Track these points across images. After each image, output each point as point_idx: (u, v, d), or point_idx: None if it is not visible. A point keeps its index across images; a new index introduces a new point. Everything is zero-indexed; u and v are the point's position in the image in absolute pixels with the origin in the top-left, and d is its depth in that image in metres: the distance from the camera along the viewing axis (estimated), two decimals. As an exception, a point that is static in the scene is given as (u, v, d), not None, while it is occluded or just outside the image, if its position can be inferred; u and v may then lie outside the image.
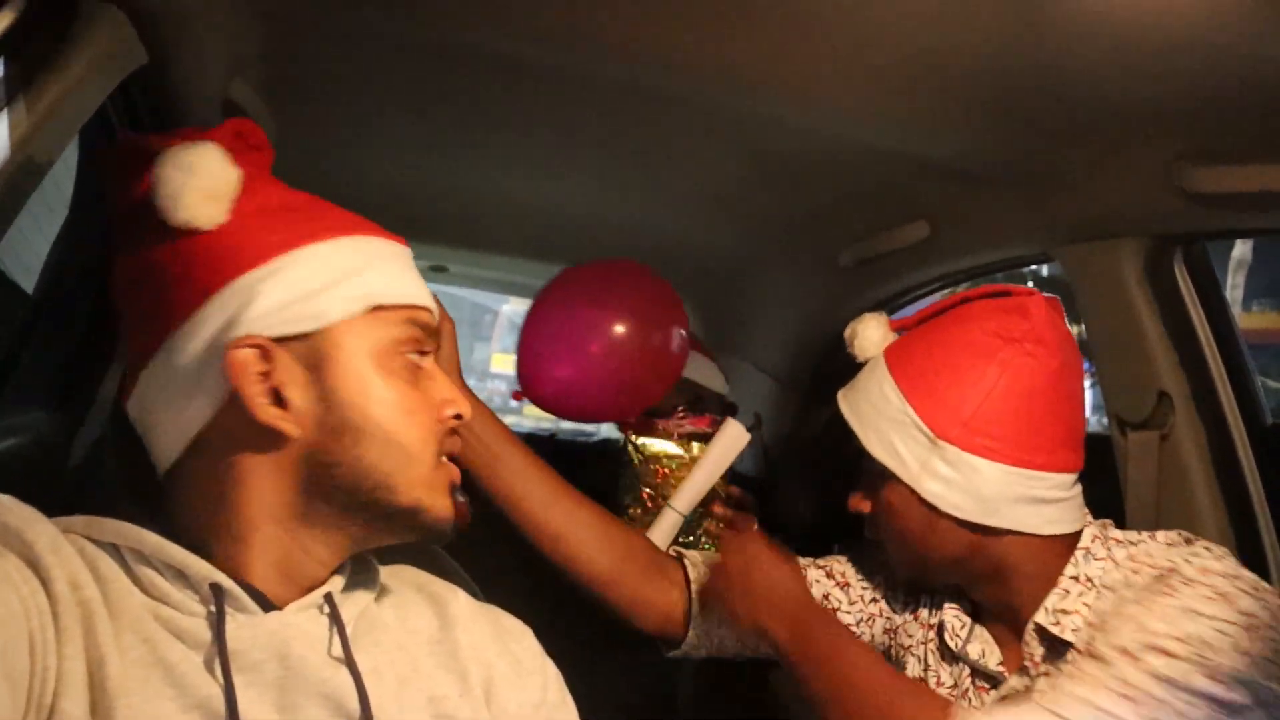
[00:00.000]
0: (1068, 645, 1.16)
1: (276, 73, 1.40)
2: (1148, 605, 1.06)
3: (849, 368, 1.59)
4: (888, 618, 1.41)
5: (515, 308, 11.54)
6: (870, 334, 1.36)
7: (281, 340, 0.87)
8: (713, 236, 2.15)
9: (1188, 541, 1.17)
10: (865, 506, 1.31)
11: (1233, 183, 1.29)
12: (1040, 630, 1.19)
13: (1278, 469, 1.52)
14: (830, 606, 1.41)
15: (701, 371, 2.08)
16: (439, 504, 0.92)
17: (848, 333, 1.39)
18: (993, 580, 1.24)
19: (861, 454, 1.29)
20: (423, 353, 0.93)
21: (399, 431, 0.88)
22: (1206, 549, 1.14)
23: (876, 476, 1.27)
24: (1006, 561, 1.22)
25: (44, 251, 1.33)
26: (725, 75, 1.31)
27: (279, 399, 0.86)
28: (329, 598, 0.89)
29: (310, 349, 0.87)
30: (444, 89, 1.49)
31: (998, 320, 1.24)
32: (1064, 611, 1.17)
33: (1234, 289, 8.09)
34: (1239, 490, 1.50)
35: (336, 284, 0.89)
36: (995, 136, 1.42)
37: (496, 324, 12.59)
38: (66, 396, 1.29)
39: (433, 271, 2.73)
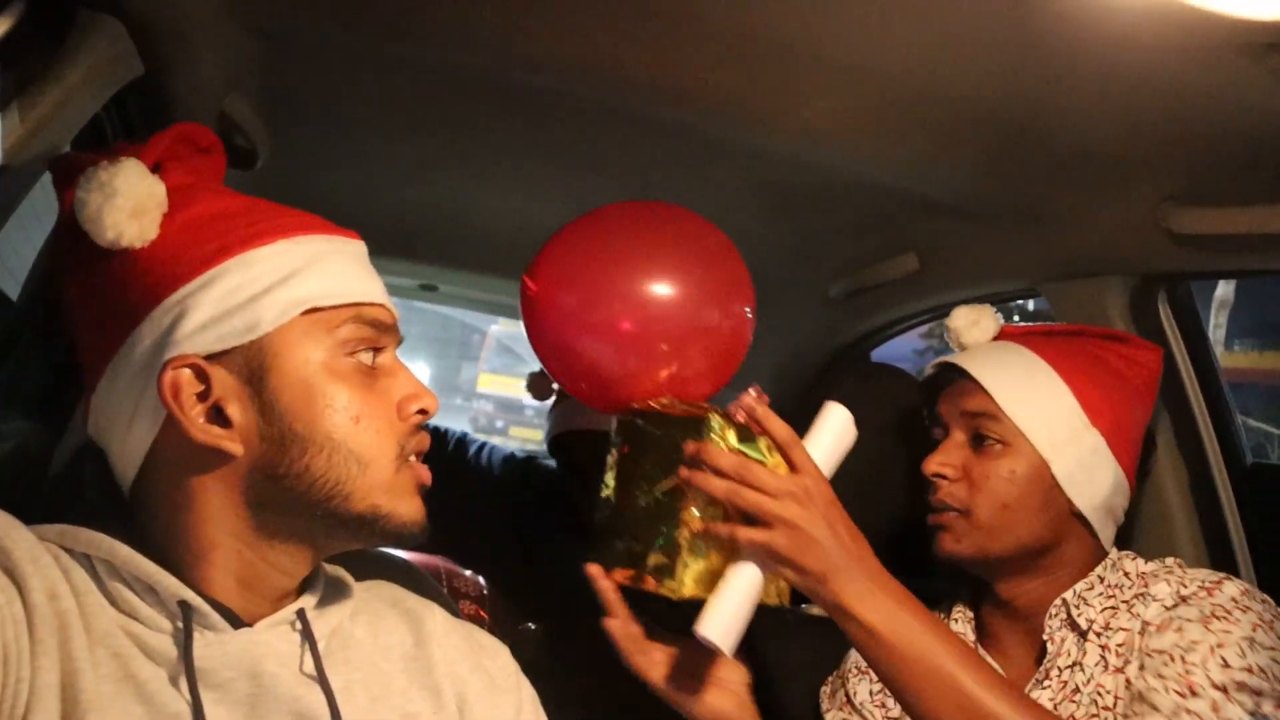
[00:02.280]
0: (1080, 635, 1.21)
1: (271, 89, 1.41)
2: (1215, 634, 1.09)
3: (841, 399, 1.59)
4: None
5: (504, 329, 11.56)
6: (988, 324, 1.38)
7: (217, 356, 0.84)
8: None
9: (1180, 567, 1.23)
10: (949, 470, 1.27)
11: (1217, 224, 1.31)
12: (1063, 609, 1.23)
13: (1257, 508, 1.53)
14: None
15: None
16: (401, 507, 0.88)
17: (963, 320, 1.39)
18: (1038, 573, 1.27)
19: (963, 419, 1.28)
20: (376, 350, 0.90)
21: (348, 438, 0.85)
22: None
23: (994, 442, 1.25)
24: (1063, 558, 1.26)
25: (31, 260, 1.33)
26: (721, 107, 1.32)
27: (220, 415, 0.84)
28: (301, 614, 0.88)
29: (247, 361, 0.84)
30: (438, 110, 1.49)
31: (1128, 359, 1.34)
32: (1084, 601, 1.23)
33: (1216, 328, 8.15)
34: (1219, 529, 1.51)
35: (268, 291, 0.85)
36: (986, 175, 1.43)
37: (485, 344, 12.57)
38: (49, 405, 1.29)
39: (422, 290, 2.73)
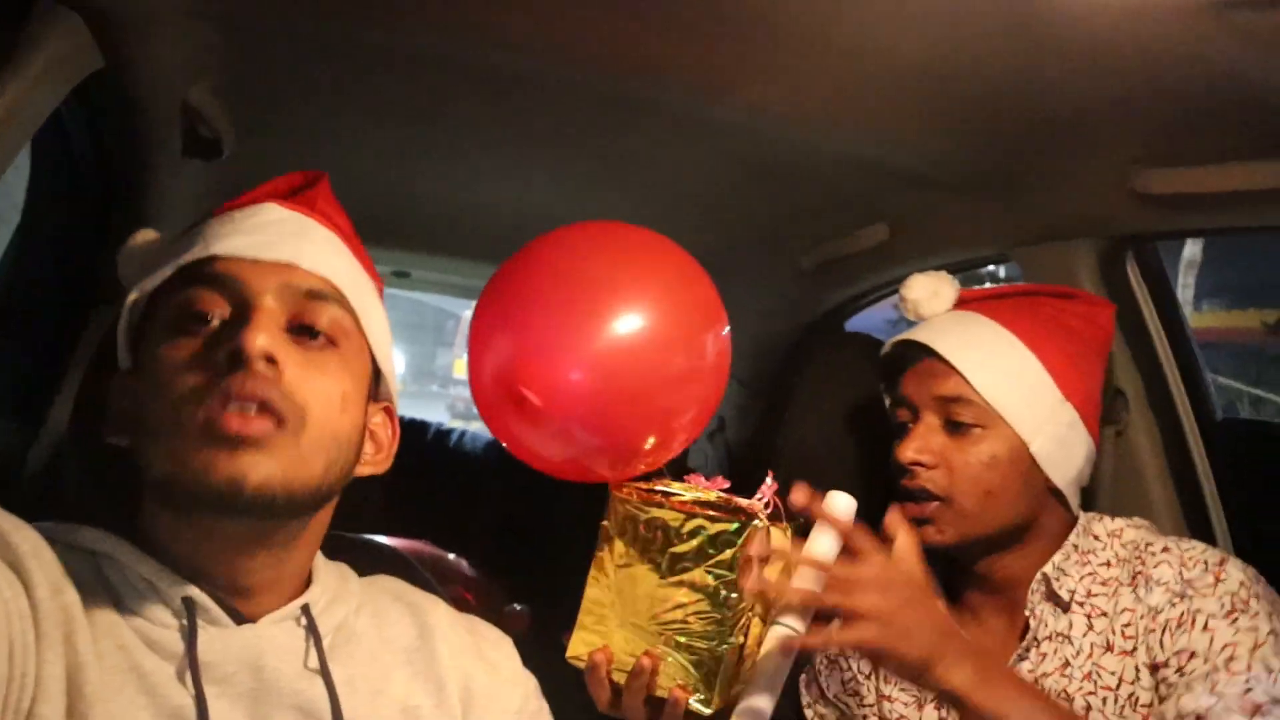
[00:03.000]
0: (1062, 607, 1.22)
1: (235, 78, 1.39)
2: (1245, 633, 1.10)
3: (814, 369, 1.60)
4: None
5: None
6: (948, 293, 1.34)
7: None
8: (676, 240, 2.16)
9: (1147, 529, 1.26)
10: (925, 457, 1.24)
11: (1184, 185, 1.32)
12: (1044, 584, 1.23)
13: (1227, 463, 1.56)
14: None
15: None
16: (198, 469, 0.78)
17: (922, 289, 1.34)
18: (1014, 547, 1.26)
19: (936, 403, 1.25)
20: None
21: (148, 409, 0.82)
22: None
23: (971, 426, 1.23)
24: (1039, 531, 1.26)
25: (-2, 258, 1.31)
26: (690, 83, 1.31)
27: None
28: (306, 609, 0.88)
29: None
30: (406, 95, 1.48)
31: (1085, 319, 1.32)
32: (1063, 572, 1.23)
33: (1185, 288, 8.24)
34: (1191, 483, 1.54)
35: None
36: (955, 143, 1.44)
37: (459, 330, 12.53)
38: (21, 406, 1.28)
39: (394, 277, 2.72)
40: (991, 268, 2.20)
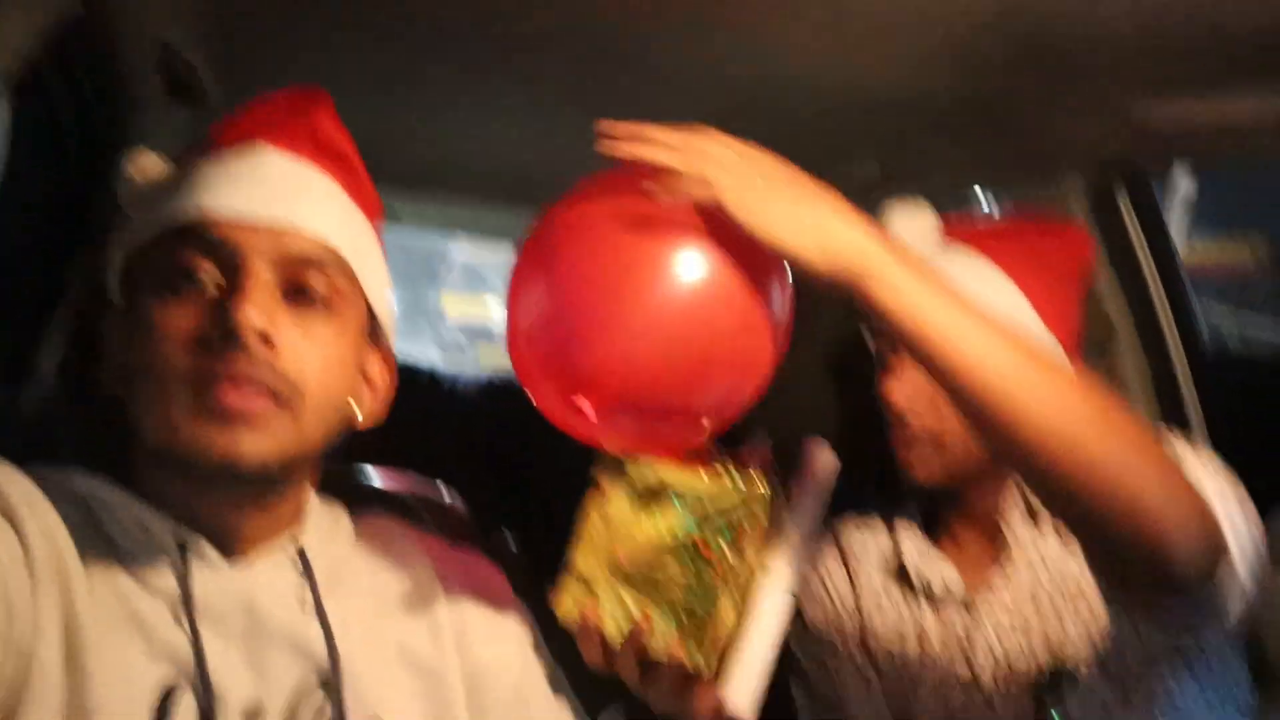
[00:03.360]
0: (1037, 522, 1.25)
1: (216, 16, 1.37)
2: None
3: (804, 304, 1.58)
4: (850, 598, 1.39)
5: (466, 252, 11.45)
6: (930, 224, 1.31)
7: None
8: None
9: None
10: (916, 403, 1.25)
11: (1178, 117, 1.31)
12: (1021, 500, 1.26)
13: (1215, 396, 1.57)
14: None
15: None
16: (191, 442, 0.78)
17: (904, 221, 1.32)
18: (994, 474, 1.28)
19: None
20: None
21: (140, 378, 0.81)
22: None
23: None
24: None
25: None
26: (682, 14, 1.29)
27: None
28: (300, 549, 0.89)
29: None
30: (393, 28, 1.46)
31: (1062, 247, 1.32)
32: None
33: (1177, 221, 8.22)
34: (1180, 417, 1.55)
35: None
36: (948, 72, 1.42)
37: (448, 268, 12.47)
38: (8, 361, 1.27)
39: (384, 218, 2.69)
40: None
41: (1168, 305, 1.57)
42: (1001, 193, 1.70)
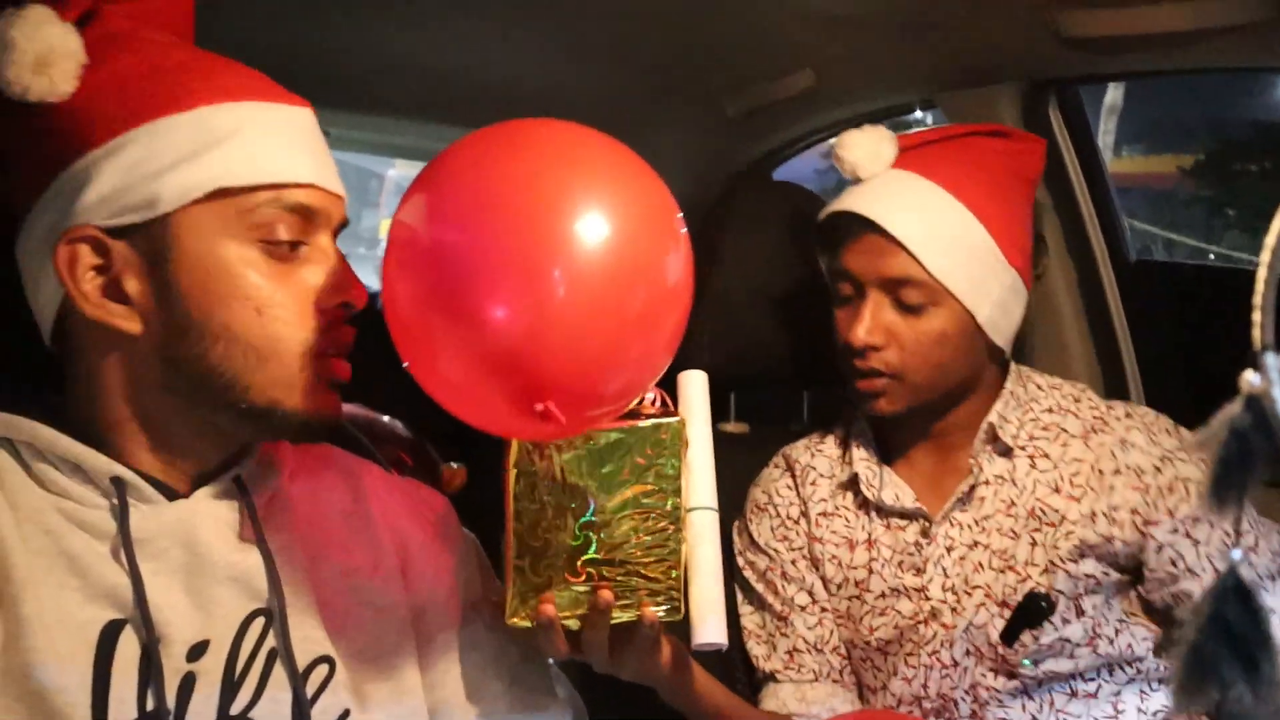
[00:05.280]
0: (1004, 453, 1.28)
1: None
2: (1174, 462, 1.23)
3: (740, 220, 1.59)
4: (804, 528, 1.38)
5: (403, 171, 11.22)
6: (888, 151, 1.27)
7: (120, 230, 0.79)
8: (591, 86, 2.11)
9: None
10: (877, 339, 1.23)
11: (1105, 26, 1.32)
12: (989, 432, 1.28)
13: (1139, 303, 1.61)
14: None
15: None
16: (306, 403, 0.83)
17: (861, 150, 1.28)
18: (955, 402, 1.30)
19: (883, 283, 1.23)
20: (298, 240, 0.83)
21: (247, 330, 0.80)
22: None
23: (915, 304, 1.22)
24: (978, 384, 1.30)
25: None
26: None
27: (119, 290, 0.80)
28: (238, 479, 0.87)
29: (151, 239, 0.79)
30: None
31: (1019, 160, 1.32)
32: (1005, 419, 1.28)
33: (1105, 134, 8.32)
34: (1105, 324, 1.59)
35: (176, 165, 0.78)
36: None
37: (383, 189, 12.22)
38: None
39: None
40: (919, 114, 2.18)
41: (1095, 216, 1.60)
42: (934, 103, 1.71)
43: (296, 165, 0.82)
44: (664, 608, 0.96)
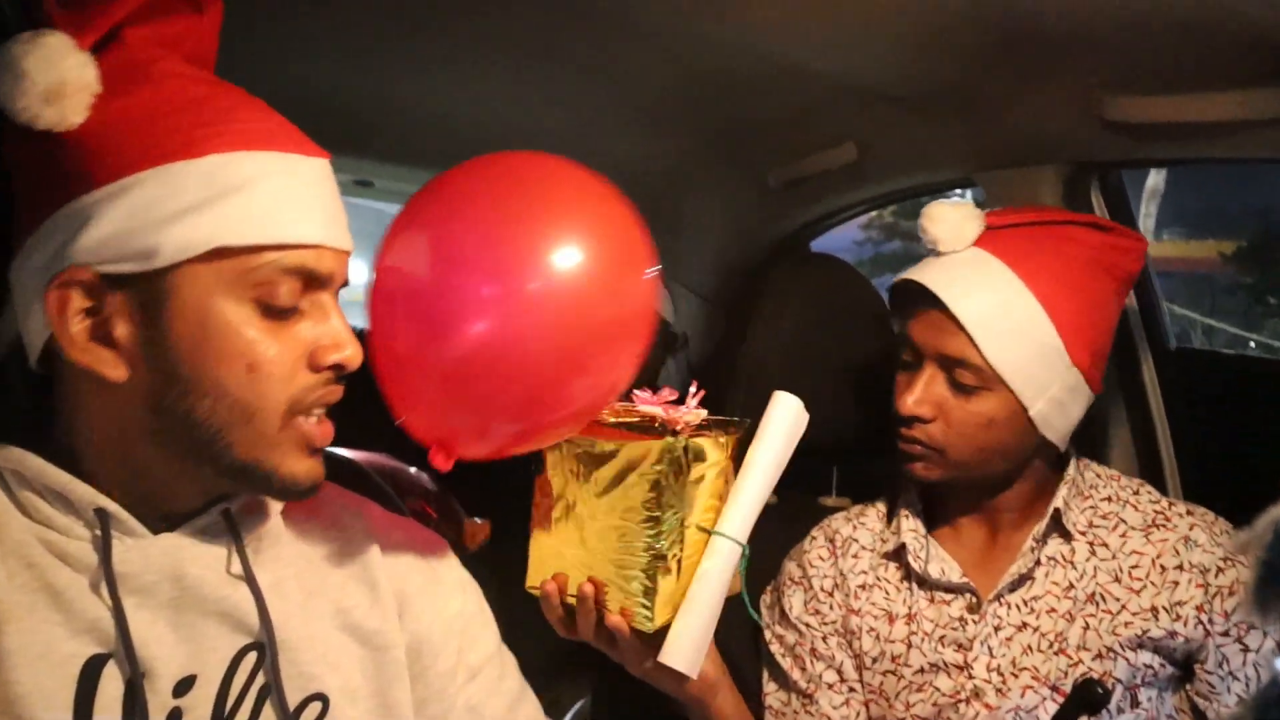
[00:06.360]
0: (1065, 537, 1.26)
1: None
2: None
3: (777, 288, 1.59)
4: (843, 602, 1.36)
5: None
6: (969, 229, 1.27)
7: (115, 277, 0.77)
8: (640, 152, 2.13)
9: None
10: (924, 411, 1.24)
11: (1151, 113, 1.32)
12: (1054, 517, 1.26)
13: (1178, 392, 1.59)
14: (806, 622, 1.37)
15: None
16: (286, 464, 0.82)
17: (937, 219, 1.27)
18: (1002, 483, 1.30)
19: (941, 359, 1.23)
20: (297, 303, 0.81)
21: (237, 386, 0.78)
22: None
23: (968, 386, 1.22)
24: (1028, 472, 1.30)
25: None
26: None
27: (109, 335, 0.78)
28: (227, 514, 0.86)
29: (146, 288, 0.77)
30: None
31: (1110, 256, 1.29)
32: (1069, 506, 1.27)
33: (1146, 217, 8.29)
34: (1143, 411, 1.57)
35: (180, 216, 0.76)
36: (923, 60, 1.42)
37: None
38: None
39: (357, 186, 2.67)
40: (959, 191, 2.19)
41: (1135, 300, 1.59)
42: (976, 181, 1.71)
43: (304, 225, 0.80)
44: (638, 616, 0.99)
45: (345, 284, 0.85)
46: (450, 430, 0.92)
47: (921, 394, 1.24)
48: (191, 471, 0.82)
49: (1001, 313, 1.22)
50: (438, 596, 0.97)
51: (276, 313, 0.80)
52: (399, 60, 1.73)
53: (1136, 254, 1.33)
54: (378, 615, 0.92)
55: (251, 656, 0.84)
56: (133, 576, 0.80)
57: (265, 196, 0.78)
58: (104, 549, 0.79)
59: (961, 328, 1.22)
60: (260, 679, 0.84)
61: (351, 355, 0.83)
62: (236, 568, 0.85)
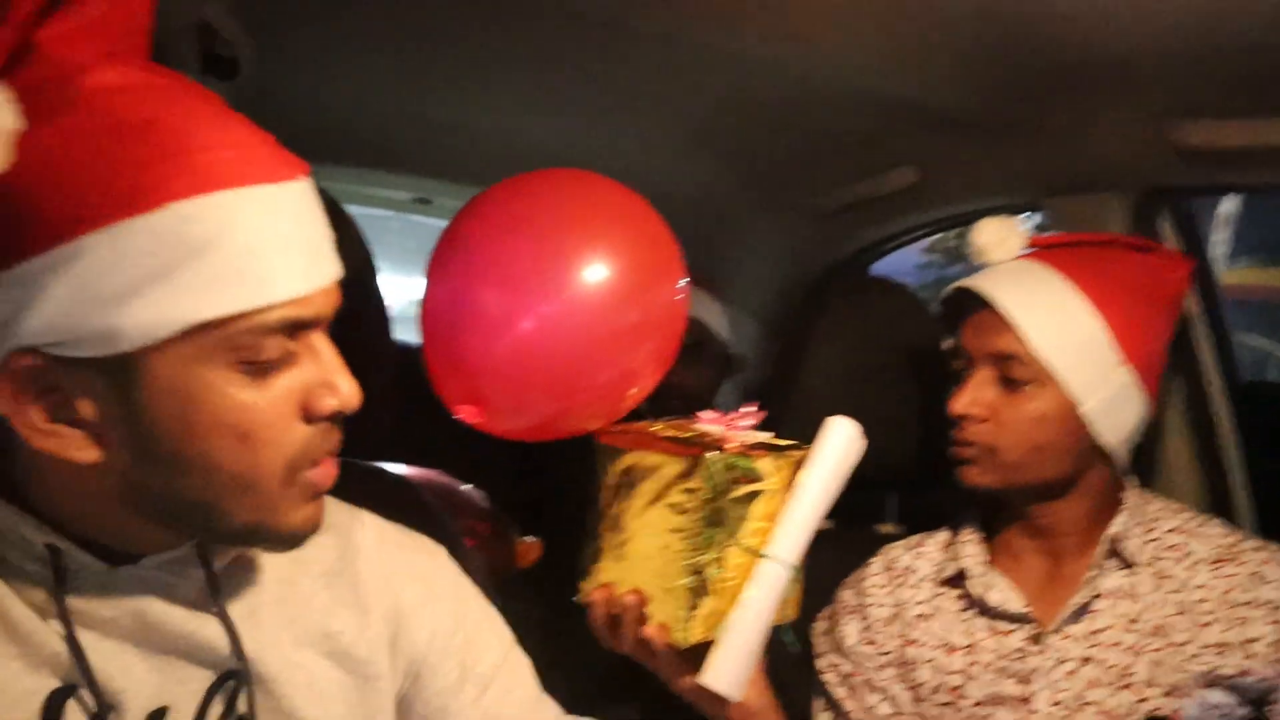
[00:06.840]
0: (1127, 565, 1.24)
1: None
2: None
3: (834, 312, 1.57)
4: (902, 633, 1.34)
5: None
6: (1015, 242, 1.30)
7: (72, 360, 0.66)
8: (697, 176, 2.13)
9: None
10: (977, 410, 1.25)
11: (1221, 138, 1.29)
12: (1111, 544, 1.24)
13: (1251, 425, 1.54)
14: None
15: (708, 310, 1.96)
16: (287, 520, 0.75)
17: (989, 236, 1.30)
18: (1059, 498, 1.27)
19: (990, 358, 1.24)
20: (284, 356, 0.72)
21: (229, 458, 0.70)
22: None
23: (1023, 383, 1.22)
24: (1085, 485, 1.27)
25: None
26: (708, 12, 1.28)
27: (73, 414, 0.68)
28: (197, 544, 0.79)
29: (112, 369, 0.67)
30: (428, 18, 1.45)
31: (1158, 276, 1.30)
32: (1128, 534, 1.24)
33: (1219, 244, 8.11)
34: (1214, 448, 1.52)
35: (139, 289, 0.64)
36: (985, 84, 1.40)
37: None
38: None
39: (416, 204, 2.70)
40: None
41: (1207, 331, 1.54)
42: (1042, 206, 1.68)
43: (287, 277, 0.69)
44: (676, 631, 0.99)
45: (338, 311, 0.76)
46: (485, 400, 1.00)
47: (972, 395, 1.25)
48: (176, 535, 0.78)
49: (1048, 307, 1.23)
50: (435, 609, 0.93)
51: (263, 368, 0.70)
52: (459, 81, 1.75)
53: (1181, 274, 1.33)
54: (366, 643, 0.88)
55: (229, 685, 0.80)
56: (90, 611, 0.75)
57: (240, 251, 0.67)
58: (57, 587, 0.74)
59: (1009, 324, 1.23)
60: (240, 707, 0.80)
61: (348, 397, 0.74)
62: (204, 597, 0.80)
